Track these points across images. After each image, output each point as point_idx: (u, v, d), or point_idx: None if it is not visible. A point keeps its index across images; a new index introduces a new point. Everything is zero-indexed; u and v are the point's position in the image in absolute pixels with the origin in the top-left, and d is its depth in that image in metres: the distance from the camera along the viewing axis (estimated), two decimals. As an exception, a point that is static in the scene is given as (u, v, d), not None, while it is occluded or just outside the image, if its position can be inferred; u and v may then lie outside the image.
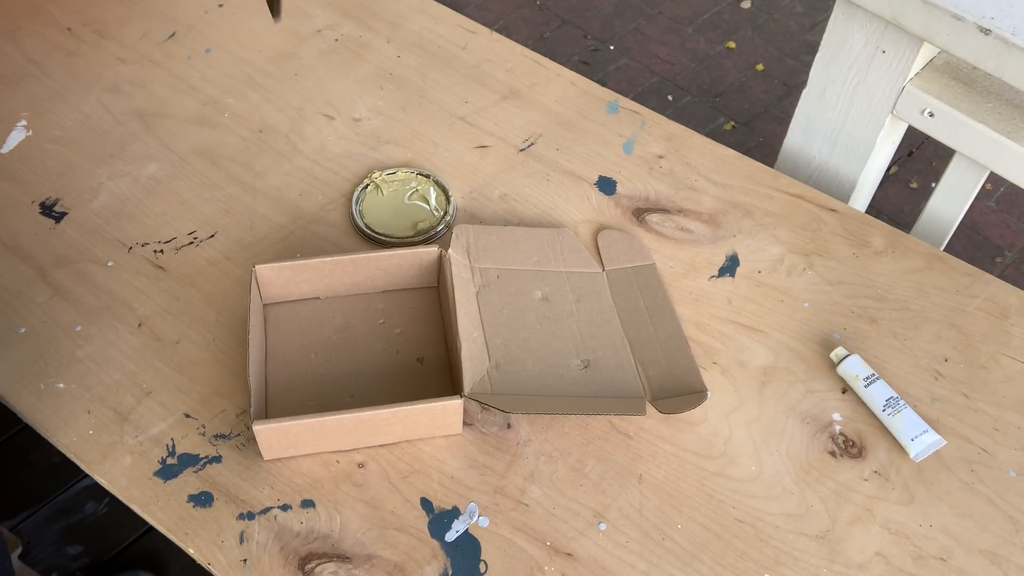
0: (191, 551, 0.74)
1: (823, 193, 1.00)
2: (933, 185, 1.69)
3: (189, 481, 0.77)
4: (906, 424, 0.80)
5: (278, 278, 0.85)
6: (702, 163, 1.03)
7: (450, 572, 0.73)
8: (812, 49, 1.76)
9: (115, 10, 1.17)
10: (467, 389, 0.77)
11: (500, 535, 0.75)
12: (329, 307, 0.88)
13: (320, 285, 0.87)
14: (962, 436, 0.82)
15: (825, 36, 1.04)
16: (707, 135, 1.06)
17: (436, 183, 0.98)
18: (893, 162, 2.16)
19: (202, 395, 0.82)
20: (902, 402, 0.81)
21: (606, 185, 1.01)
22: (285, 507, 0.76)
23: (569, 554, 0.74)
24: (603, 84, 1.20)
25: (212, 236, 0.94)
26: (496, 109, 1.08)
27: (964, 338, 0.89)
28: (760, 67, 2.41)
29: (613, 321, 0.87)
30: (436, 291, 0.90)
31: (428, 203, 0.97)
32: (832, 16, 1.02)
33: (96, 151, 1.01)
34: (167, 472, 0.78)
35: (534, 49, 1.17)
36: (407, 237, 0.93)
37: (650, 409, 0.81)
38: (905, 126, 1.09)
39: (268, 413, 0.80)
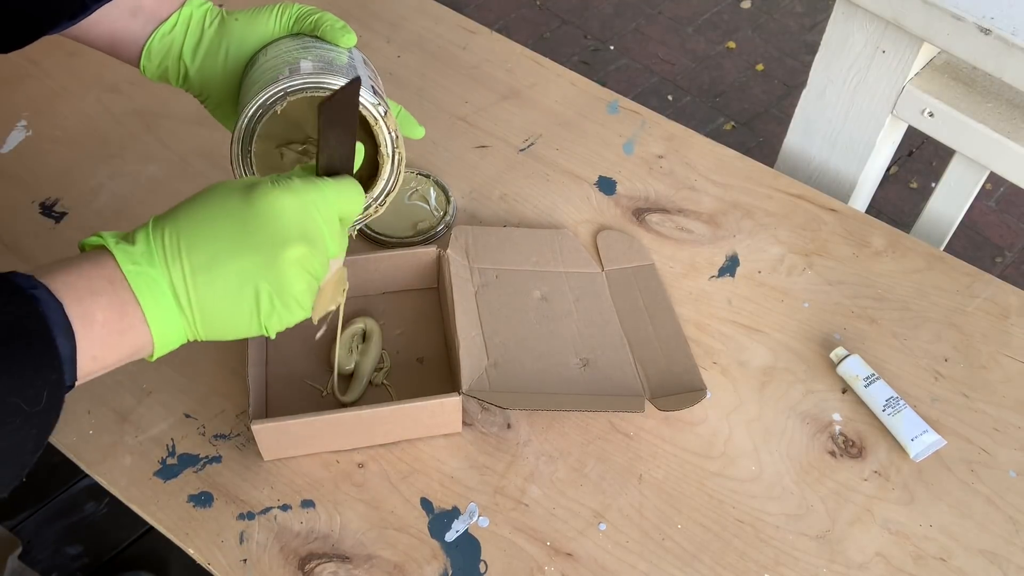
0: (191, 551, 0.74)
1: (823, 193, 1.00)
2: (933, 185, 1.69)
3: (189, 481, 0.77)
4: (906, 424, 0.80)
5: (278, 278, 0.85)
6: (702, 163, 1.03)
7: (450, 572, 0.73)
8: (812, 49, 1.76)
9: (115, 10, 1.16)
10: (465, 386, 0.77)
11: (500, 535, 0.75)
12: (329, 307, 0.88)
13: (320, 285, 0.87)
14: (962, 436, 0.82)
15: (825, 36, 1.04)
16: (707, 135, 1.06)
17: (436, 183, 0.98)
18: (893, 162, 2.16)
19: (202, 395, 0.82)
20: (902, 402, 0.81)
21: (606, 185, 1.01)
22: (285, 507, 0.76)
23: (569, 554, 0.74)
24: (603, 84, 1.20)
25: (212, 236, 0.93)
26: (496, 109, 1.08)
27: (964, 338, 0.89)
28: (760, 67, 2.41)
29: (612, 321, 0.87)
30: (436, 292, 0.90)
31: (428, 203, 0.97)
32: (832, 16, 1.02)
33: (96, 151, 1.01)
34: (167, 472, 0.78)
35: (534, 49, 1.17)
36: (407, 237, 0.93)
37: (649, 409, 0.81)
38: (905, 126, 1.09)
39: (268, 413, 0.80)
